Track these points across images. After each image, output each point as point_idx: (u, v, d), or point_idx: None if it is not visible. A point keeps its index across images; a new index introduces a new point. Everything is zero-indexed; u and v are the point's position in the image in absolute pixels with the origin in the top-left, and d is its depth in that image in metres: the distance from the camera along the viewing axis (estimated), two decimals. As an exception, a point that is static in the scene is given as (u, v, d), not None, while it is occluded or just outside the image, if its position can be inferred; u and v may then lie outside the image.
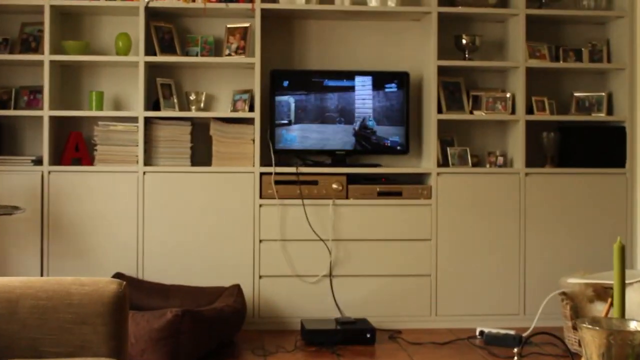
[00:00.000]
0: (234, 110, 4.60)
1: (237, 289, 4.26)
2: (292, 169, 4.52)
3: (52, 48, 4.43)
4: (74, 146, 4.48)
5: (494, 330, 4.24)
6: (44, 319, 2.25)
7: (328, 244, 4.50)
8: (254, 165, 4.50)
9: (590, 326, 2.15)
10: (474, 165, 4.74)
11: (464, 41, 4.72)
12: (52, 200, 4.37)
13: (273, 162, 4.51)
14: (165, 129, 4.52)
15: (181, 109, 4.62)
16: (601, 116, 4.80)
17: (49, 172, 4.39)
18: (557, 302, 4.15)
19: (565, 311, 4.06)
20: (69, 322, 2.26)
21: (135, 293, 4.17)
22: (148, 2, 4.39)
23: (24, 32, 4.56)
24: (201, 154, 4.62)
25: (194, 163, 4.56)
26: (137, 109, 4.49)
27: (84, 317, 2.25)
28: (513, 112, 4.73)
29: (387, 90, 4.65)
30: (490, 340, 4.21)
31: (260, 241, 4.50)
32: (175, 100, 4.61)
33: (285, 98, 4.58)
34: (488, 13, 4.71)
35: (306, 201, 4.49)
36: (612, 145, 4.72)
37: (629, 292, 3.36)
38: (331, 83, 4.63)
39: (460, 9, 4.66)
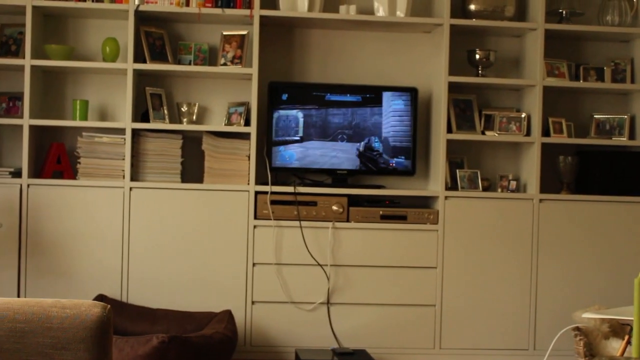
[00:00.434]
0: (229, 123, 4.58)
1: (228, 314, 4.24)
2: (290, 189, 4.49)
3: (33, 52, 4.41)
4: (55, 158, 4.46)
5: (502, 368, 4.23)
6: (21, 344, 2.20)
7: (326, 269, 4.47)
8: (248, 184, 4.48)
9: (606, 366, 2.14)
10: (485, 189, 4.71)
11: (477, 56, 4.69)
12: (31, 216, 4.35)
13: (269, 180, 4.49)
14: (154, 142, 4.50)
15: (172, 121, 4.61)
16: (622, 140, 4.78)
17: (28, 186, 4.37)
18: (569, 337, 4.11)
19: (578, 348, 4.03)
20: (49, 347, 2.20)
21: (118, 317, 4.19)
22: (138, 6, 4.37)
23: (3, 34, 4.54)
24: (192, 170, 4.61)
25: (184, 179, 4.55)
26: (125, 120, 4.50)
27: (65, 342, 2.20)
28: (528, 133, 4.70)
29: (393, 106, 4.63)
30: (498, 379, 4.16)
31: (254, 264, 4.46)
32: (166, 112, 4.59)
33: (283, 112, 4.58)
34: (504, 27, 4.68)
35: (304, 223, 4.46)
36: (633, 172, 4.71)
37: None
38: (334, 97, 4.63)
39: (474, 22, 4.65)
